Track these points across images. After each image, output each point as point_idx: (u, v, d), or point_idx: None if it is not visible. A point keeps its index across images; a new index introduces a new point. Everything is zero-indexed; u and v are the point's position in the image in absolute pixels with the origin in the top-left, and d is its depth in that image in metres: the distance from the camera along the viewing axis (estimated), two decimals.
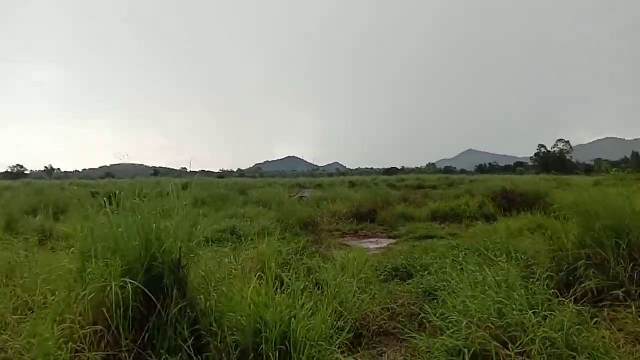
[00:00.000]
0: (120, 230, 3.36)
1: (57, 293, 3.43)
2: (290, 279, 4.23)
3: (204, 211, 14.08)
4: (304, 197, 19.08)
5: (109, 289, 3.10)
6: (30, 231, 8.43)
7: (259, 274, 4.21)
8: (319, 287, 4.90)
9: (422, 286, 5.22)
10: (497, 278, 4.25)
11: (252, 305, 3.33)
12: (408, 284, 5.64)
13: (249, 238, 7.12)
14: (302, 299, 3.55)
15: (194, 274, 3.69)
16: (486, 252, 5.87)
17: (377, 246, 9.87)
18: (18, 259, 5.50)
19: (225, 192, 21.10)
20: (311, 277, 5.35)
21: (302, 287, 3.86)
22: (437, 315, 3.93)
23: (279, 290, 3.76)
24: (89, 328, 3.01)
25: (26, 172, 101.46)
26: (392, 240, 10.82)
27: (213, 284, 3.75)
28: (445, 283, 4.84)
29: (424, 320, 4.25)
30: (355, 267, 5.50)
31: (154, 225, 3.41)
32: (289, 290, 3.66)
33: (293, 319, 3.25)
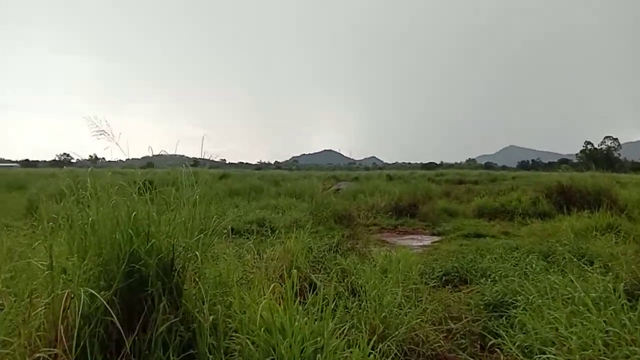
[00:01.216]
0: (92, 219, 2.53)
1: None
2: (320, 282, 3.32)
3: (236, 201, 13.61)
4: (339, 189, 18.17)
5: (72, 297, 2.28)
6: (45, 217, 7.85)
7: (282, 274, 3.35)
8: (355, 295, 4.00)
9: (484, 298, 4.17)
10: (592, 294, 3.22)
11: (263, 329, 2.42)
12: (464, 293, 4.64)
13: (277, 231, 6.27)
14: (333, 318, 2.58)
15: (201, 277, 2.85)
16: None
17: (420, 244, 8.85)
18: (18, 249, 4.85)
19: (260, 183, 20.54)
20: (346, 280, 4.44)
21: (334, 296, 2.93)
22: (515, 342, 2.94)
23: (307, 296, 2.88)
24: (43, 351, 2.20)
25: (72, 160, 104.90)
26: (436, 238, 9.76)
27: (221, 291, 2.90)
28: (515, 296, 3.82)
29: (495, 347, 3.23)
30: (400, 271, 4.54)
31: (133, 213, 2.55)
32: (316, 308, 2.68)
33: (319, 353, 2.30)
